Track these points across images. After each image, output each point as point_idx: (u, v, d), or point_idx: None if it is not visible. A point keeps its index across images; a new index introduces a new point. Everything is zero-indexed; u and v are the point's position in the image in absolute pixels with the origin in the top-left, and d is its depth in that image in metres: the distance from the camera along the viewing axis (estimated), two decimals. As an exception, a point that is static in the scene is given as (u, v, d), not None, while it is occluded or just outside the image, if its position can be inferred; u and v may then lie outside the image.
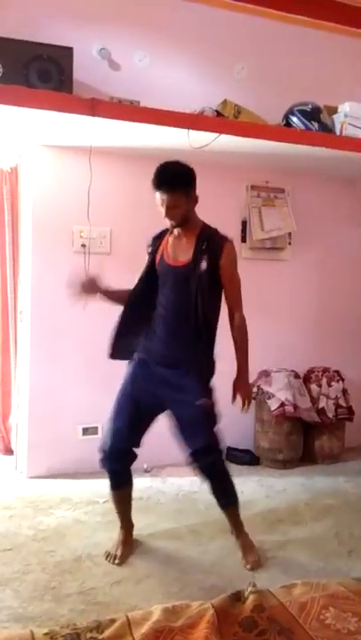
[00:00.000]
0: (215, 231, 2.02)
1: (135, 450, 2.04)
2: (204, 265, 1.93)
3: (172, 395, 1.98)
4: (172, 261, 1.99)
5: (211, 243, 1.96)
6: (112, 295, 2.06)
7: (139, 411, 2.01)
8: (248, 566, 1.98)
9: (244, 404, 2.03)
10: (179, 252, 1.99)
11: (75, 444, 2.87)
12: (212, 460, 1.98)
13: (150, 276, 2.03)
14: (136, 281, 2.06)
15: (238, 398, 2.03)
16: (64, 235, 2.82)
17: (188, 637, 1.32)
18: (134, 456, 2.05)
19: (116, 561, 2.00)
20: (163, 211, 1.93)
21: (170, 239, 2.03)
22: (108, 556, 2.03)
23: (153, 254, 2.05)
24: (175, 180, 1.92)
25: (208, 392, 1.98)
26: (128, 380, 2.06)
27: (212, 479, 2.00)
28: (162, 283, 2.00)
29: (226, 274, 1.96)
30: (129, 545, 2.08)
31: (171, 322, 1.98)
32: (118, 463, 2.03)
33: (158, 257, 2.03)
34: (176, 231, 2.01)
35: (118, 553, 2.02)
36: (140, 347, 2.04)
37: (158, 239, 2.07)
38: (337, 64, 3.19)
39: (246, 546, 2.04)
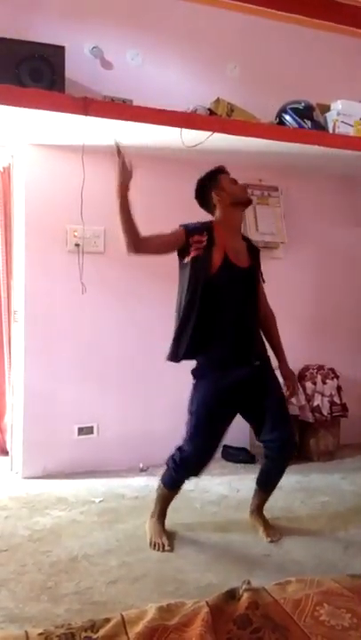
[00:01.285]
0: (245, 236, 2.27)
1: None
2: (254, 264, 2.13)
3: (255, 391, 2.07)
4: (239, 262, 2.06)
5: (251, 244, 2.20)
6: (160, 246, 2.02)
7: (220, 422, 2.08)
8: (269, 539, 2.14)
9: (292, 388, 2.20)
10: (238, 253, 2.07)
11: (70, 443, 2.87)
12: (293, 446, 2.19)
13: (207, 274, 1.98)
14: (194, 287, 1.98)
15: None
16: (57, 234, 2.81)
17: (183, 636, 1.32)
18: (206, 468, 2.14)
19: (167, 547, 2.07)
20: (239, 187, 2.11)
21: (225, 239, 2.04)
22: (156, 546, 2.09)
23: (208, 252, 1.99)
24: None
25: (278, 380, 2.18)
26: (207, 399, 2.04)
27: (283, 465, 2.14)
28: (227, 284, 2.01)
29: (260, 272, 2.18)
30: (168, 532, 2.18)
31: (244, 325, 2.05)
32: (191, 473, 2.12)
33: (218, 258, 2.00)
34: (225, 226, 2.06)
35: (165, 541, 2.10)
36: (213, 360, 2.04)
37: (207, 234, 2.01)
38: (330, 62, 3.20)
39: (267, 522, 2.22)
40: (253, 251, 2.17)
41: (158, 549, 2.07)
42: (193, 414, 2.06)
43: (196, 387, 2.08)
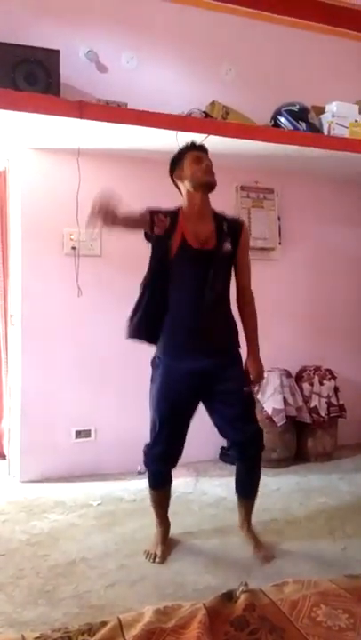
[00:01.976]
0: (225, 214, 2.04)
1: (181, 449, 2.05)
2: (228, 247, 1.95)
3: (215, 386, 1.95)
4: (198, 245, 1.92)
5: (230, 225, 2.00)
6: (129, 222, 1.89)
7: (181, 414, 2.00)
8: (260, 558, 2.01)
9: (256, 384, 2.03)
10: (201, 234, 1.93)
11: (68, 447, 2.87)
12: (262, 444, 2.03)
13: (166, 259, 1.92)
14: (153, 264, 1.95)
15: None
16: (54, 237, 2.82)
17: (180, 638, 1.32)
18: (179, 457, 2.06)
19: (157, 559, 2.01)
20: (198, 169, 1.92)
21: (185, 223, 1.94)
22: (147, 555, 2.04)
23: (168, 236, 1.91)
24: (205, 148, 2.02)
25: (246, 375, 2.01)
26: (162, 385, 1.98)
27: (258, 465, 2.04)
28: (184, 267, 1.92)
29: (243, 253, 2.02)
30: (168, 543, 2.09)
31: (201, 309, 1.91)
32: (163, 464, 2.05)
33: (177, 241, 1.91)
34: (189, 211, 1.94)
35: (159, 552, 2.03)
36: (165, 347, 1.97)
37: (170, 218, 1.93)
38: (324, 64, 3.21)
39: (257, 540, 2.09)
40: (232, 231, 1.98)
41: (150, 559, 2.02)
42: (150, 406, 2.02)
43: (152, 378, 2.03)
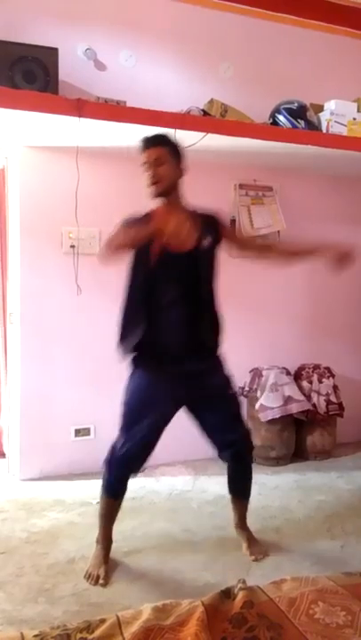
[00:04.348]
0: (199, 210, 1.93)
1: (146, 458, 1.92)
2: (207, 243, 1.86)
3: (200, 390, 1.89)
4: (177, 248, 1.80)
5: (206, 221, 1.91)
6: (127, 245, 1.82)
7: (158, 418, 1.90)
8: (253, 557, 2.01)
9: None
10: (178, 237, 1.78)
11: (67, 445, 2.87)
12: (252, 444, 2.02)
13: (146, 267, 1.83)
14: (133, 273, 1.88)
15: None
16: (53, 236, 2.81)
17: (179, 635, 1.33)
18: (143, 465, 1.94)
19: (101, 581, 1.84)
20: (146, 174, 1.78)
21: (164, 226, 1.79)
22: (89, 577, 1.87)
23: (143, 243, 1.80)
24: (158, 136, 1.86)
25: (230, 376, 1.97)
26: (142, 387, 1.90)
27: (249, 464, 2.03)
28: (165, 272, 1.83)
29: (228, 234, 1.96)
30: (110, 562, 1.94)
31: (186, 312, 1.85)
32: (128, 470, 1.92)
33: (154, 246, 1.78)
34: (163, 211, 1.82)
35: (102, 573, 1.87)
36: (148, 350, 1.87)
37: (142, 222, 1.83)
38: (323, 62, 3.21)
39: (251, 538, 2.09)
40: (208, 226, 1.89)
41: (91, 581, 1.84)
42: (125, 404, 1.91)
43: (130, 376, 1.94)
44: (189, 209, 1.92)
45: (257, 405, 2.99)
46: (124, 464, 1.90)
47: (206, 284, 1.90)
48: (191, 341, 1.87)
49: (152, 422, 1.89)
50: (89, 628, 1.36)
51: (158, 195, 1.84)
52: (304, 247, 2.02)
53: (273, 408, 2.97)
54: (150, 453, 1.92)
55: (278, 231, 3.26)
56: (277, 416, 2.96)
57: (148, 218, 1.85)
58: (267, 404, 2.97)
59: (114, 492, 1.95)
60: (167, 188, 1.83)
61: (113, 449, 1.93)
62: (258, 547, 2.07)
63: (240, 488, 2.07)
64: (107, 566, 1.92)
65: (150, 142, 1.85)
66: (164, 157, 1.82)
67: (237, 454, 1.98)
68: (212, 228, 1.91)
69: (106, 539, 1.98)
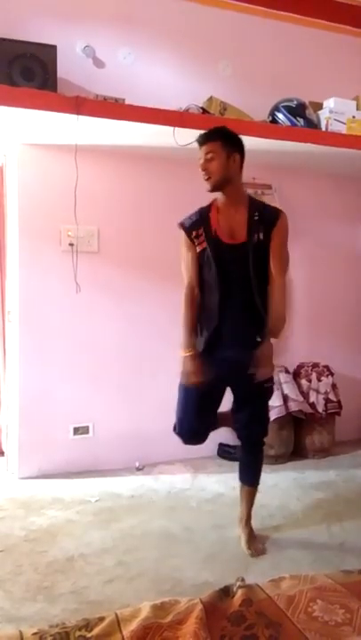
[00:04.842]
0: (265, 203, 2.01)
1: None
2: (260, 236, 1.88)
3: (243, 373, 1.92)
4: (229, 239, 1.89)
5: (264, 213, 1.92)
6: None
7: (209, 399, 2.03)
8: (250, 552, 2.05)
9: (256, 371, 1.91)
10: (233, 227, 1.90)
11: (66, 443, 2.87)
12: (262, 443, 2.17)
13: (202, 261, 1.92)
14: (191, 270, 1.95)
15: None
16: (51, 234, 2.81)
17: (177, 633, 1.33)
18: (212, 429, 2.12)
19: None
20: (201, 170, 1.87)
21: (218, 217, 1.92)
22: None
23: (199, 238, 1.91)
24: (212, 131, 1.91)
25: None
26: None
27: (262, 450, 2.15)
28: (218, 263, 1.88)
29: (274, 243, 1.90)
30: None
31: (240, 303, 1.91)
32: (196, 439, 2.10)
33: (208, 238, 1.89)
34: (221, 203, 1.91)
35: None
36: (199, 341, 1.97)
37: (200, 222, 1.93)
38: (321, 60, 3.20)
39: (251, 533, 2.13)
40: (265, 221, 1.90)
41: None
42: (179, 387, 2.03)
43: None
44: (251, 201, 1.96)
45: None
46: (183, 439, 2.12)
47: (256, 276, 1.90)
48: (231, 336, 1.94)
49: (203, 404, 2.03)
50: (88, 626, 1.36)
51: (213, 189, 1.91)
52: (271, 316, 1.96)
53: (273, 408, 2.96)
54: (205, 430, 2.10)
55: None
56: (277, 416, 2.96)
57: (203, 213, 1.94)
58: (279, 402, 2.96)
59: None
60: (220, 182, 1.89)
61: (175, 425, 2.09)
62: (256, 543, 2.10)
63: (253, 474, 2.16)
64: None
65: (204, 138, 1.91)
66: (215, 153, 1.88)
67: (243, 446, 2.15)
68: (267, 224, 1.91)
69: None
